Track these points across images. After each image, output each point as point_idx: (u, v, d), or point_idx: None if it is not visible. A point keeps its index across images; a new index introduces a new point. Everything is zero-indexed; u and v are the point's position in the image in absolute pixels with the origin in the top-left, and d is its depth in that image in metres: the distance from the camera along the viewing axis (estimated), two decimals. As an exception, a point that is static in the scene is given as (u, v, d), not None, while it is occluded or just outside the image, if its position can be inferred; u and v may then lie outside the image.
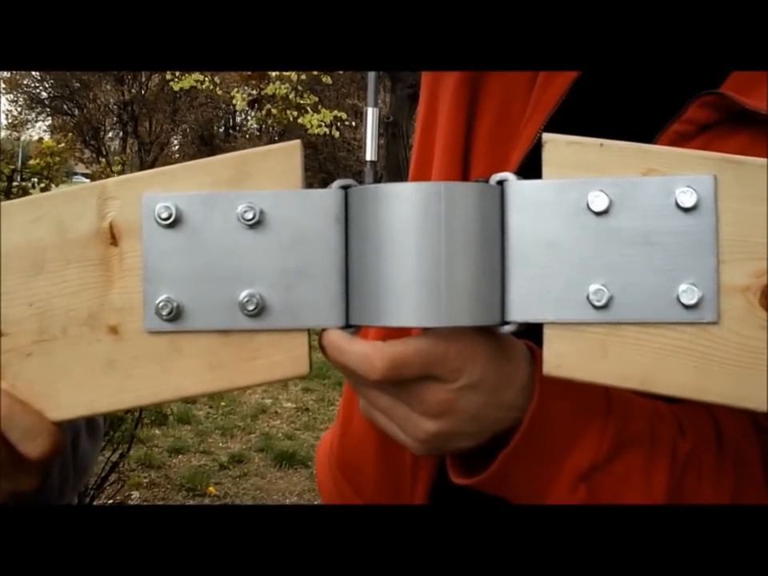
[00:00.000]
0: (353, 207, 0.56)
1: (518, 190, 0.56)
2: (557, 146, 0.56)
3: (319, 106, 13.14)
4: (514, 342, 0.60)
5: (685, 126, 0.69)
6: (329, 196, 0.56)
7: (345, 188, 0.56)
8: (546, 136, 0.56)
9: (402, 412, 0.58)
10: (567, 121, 0.73)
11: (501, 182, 0.56)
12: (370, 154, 0.62)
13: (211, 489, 4.43)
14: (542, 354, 0.56)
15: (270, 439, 5.31)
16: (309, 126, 12.63)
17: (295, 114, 12.40)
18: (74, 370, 0.58)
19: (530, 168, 0.66)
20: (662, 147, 0.56)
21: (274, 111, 12.72)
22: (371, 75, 0.64)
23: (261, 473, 4.80)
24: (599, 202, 0.54)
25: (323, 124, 12.76)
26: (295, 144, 0.57)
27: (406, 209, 0.53)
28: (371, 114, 0.63)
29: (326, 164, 20.33)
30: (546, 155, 0.56)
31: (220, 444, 5.26)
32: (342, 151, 20.47)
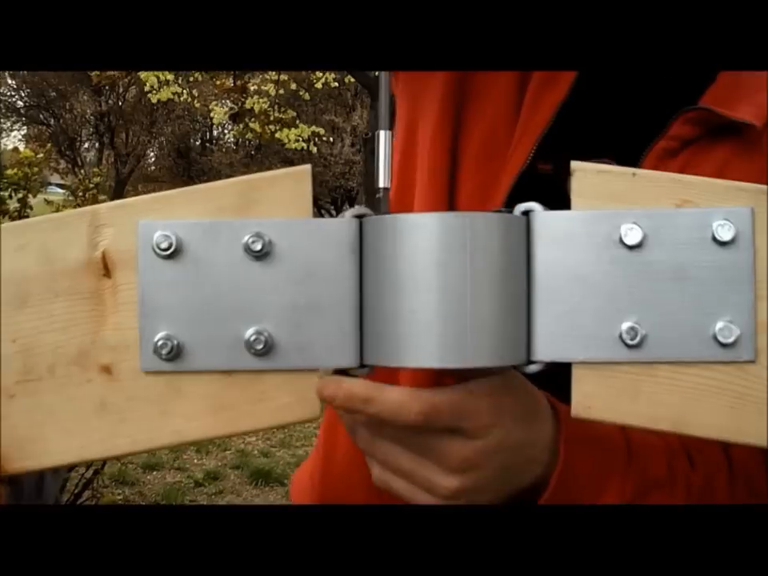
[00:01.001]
0: (368, 238, 0.52)
1: (545, 221, 0.53)
2: (586, 176, 0.53)
3: (297, 121, 13.06)
4: (539, 397, 0.59)
5: (670, 143, 0.70)
6: (342, 226, 0.53)
7: (359, 217, 0.53)
8: (574, 164, 0.53)
9: (426, 471, 0.56)
10: (557, 142, 0.73)
11: (526, 213, 0.53)
12: (383, 180, 0.57)
13: (186, 507, 4.39)
14: (565, 411, 0.55)
15: (245, 456, 5.30)
16: (286, 140, 12.54)
17: (272, 128, 12.31)
18: (63, 413, 0.53)
19: (522, 191, 0.68)
20: (694, 177, 0.54)
21: (252, 126, 12.62)
22: (383, 92, 0.59)
23: (236, 490, 4.78)
24: (633, 235, 0.51)
25: (300, 139, 12.67)
26: (305, 169, 0.54)
27: (427, 241, 0.49)
28: (383, 138, 0.58)
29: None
30: (575, 185, 0.53)
31: (195, 461, 5.25)
32: (318, 167, 20.46)
